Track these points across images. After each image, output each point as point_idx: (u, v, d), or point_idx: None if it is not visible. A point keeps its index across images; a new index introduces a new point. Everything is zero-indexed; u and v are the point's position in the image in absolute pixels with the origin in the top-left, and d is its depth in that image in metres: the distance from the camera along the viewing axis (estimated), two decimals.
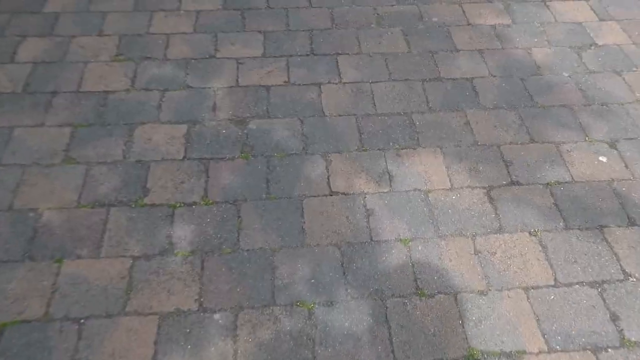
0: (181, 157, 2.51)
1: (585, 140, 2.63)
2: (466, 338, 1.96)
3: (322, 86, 2.88)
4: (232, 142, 2.58)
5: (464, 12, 3.41)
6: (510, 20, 3.35)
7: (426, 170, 2.47)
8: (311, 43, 3.14)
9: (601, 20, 3.37)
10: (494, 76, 2.96)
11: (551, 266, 2.15)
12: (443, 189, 2.40)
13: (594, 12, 3.43)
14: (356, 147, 2.57)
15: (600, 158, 2.54)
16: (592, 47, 3.16)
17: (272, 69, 2.96)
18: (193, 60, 3.00)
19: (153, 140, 2.58)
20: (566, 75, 2.98)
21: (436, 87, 2.89)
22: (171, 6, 3.37)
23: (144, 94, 2.80)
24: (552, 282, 2.10)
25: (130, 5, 3.36)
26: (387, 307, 2.02)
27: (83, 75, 2.88)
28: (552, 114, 2.76)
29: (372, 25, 3.28)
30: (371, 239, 2.22)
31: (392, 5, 3.44)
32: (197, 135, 2.60)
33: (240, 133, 2.62)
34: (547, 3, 3.50)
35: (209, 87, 2.85)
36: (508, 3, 3.49)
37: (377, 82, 2.91)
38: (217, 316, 1.99)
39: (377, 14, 3.38)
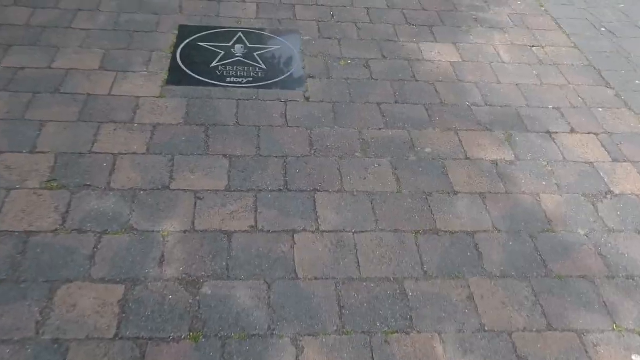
0: (112, 336, 1.95)
1: (613, 329, 2.16)
2: None
3: (295, 235, 2.38)
4: (180, 313, 2.04)
5: (460, 141, 2.99)
6: (514, 156, 2.93)
7: None
8: (285, 174, 2.66)
9: (614, 160, 2.97)
10: (499, 231, 2.50)
11: None
12: None
13: (605, 149, 3.05)
14: (335, 329, 2.05)
15: (634, 358, 2.07)
16: (609, 197, 2.74)
17: (236, 209, 2.46)
18: (142, 192, 2.48)
19: (79, 307, 2.03)
20: (582, 233, 2.54)
21: (432, 242, 2.41)
22: (124, 117, 2.88)
23: (75, 237, 2.26)
24: None
25: (75, 114, 2.87)
26: None
27: (2, 208, 2.33)
28: (571, 287, 2.29)
29: (357, 154, 2.83)
30: None
31: (380, 129, 3.01)
32: (136, 302, 2.06)
33: (191, 300, 2.09)
34: (553, 135, 3.11)
35: (158, 231, 2.33)
36: (509, 133, 3.09)
37: (361, 232, 2.43)
38: None
39: (363, 139, 2.93)
